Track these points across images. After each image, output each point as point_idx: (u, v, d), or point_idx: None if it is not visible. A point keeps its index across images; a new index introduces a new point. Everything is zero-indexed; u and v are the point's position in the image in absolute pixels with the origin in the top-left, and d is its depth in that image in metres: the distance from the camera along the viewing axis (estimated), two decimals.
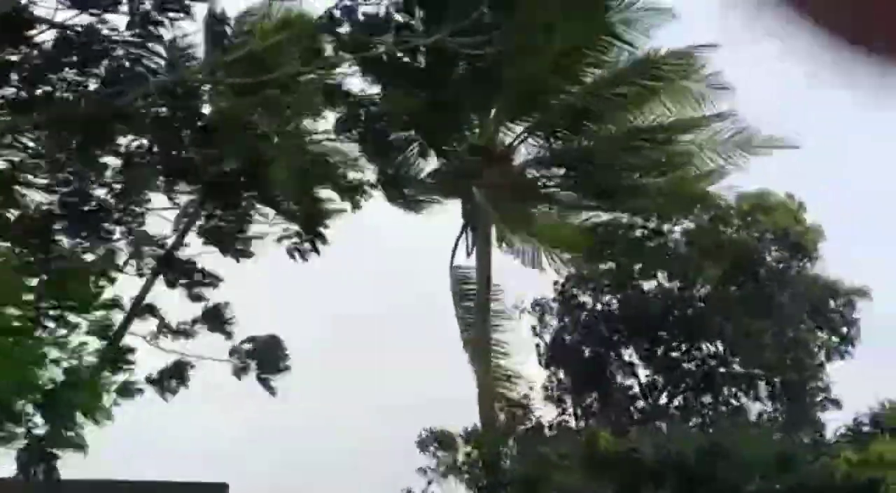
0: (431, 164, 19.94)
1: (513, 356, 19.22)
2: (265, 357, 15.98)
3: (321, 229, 16.73)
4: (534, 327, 18.56)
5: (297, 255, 16.63)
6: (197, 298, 16.29)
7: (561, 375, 18.09)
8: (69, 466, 15.79)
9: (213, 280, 16.22)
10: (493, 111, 18.97)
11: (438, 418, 18.21)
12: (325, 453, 23.92)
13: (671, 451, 13.20)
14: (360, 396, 26.78)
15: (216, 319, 16.28)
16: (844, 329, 16.49)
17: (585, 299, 17.92)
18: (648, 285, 17.53)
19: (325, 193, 17.31)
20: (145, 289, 15.98)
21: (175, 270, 16.25)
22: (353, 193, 16.91)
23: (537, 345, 18.36)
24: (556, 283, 18.53)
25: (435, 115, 17.39)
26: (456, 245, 20.27)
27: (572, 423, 17.50)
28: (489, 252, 19.14)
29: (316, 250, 16.71)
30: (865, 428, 15.02)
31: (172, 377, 15.86)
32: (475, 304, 18.84)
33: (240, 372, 16.18)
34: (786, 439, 15.23)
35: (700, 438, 13.94)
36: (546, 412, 18.07)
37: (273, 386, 16.17)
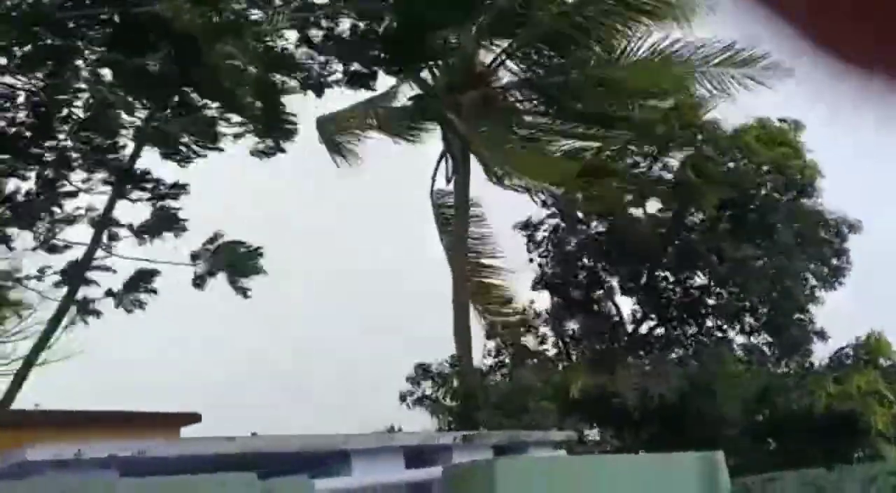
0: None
1: (498, 282, 19.10)
2: (235, 260, 15.46)
3: (285, 126, 16.08)
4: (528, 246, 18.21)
5: (261, 156, 16.14)
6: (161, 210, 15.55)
7: (547, 301, 17.92)
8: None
9: (176, 190, 15.50)
10: (472, 30, 18.03)
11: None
12: (308, 378, 24.08)
13: (651, 393, 13.07)
14: (345, 318, 26.86)
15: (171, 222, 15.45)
16: (834, 261, 16.16)
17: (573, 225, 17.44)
18: (638, 213, 17.05)
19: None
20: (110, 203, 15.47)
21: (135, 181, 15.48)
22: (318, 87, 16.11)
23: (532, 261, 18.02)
24: (543, 202, 18.04)
25: (408, 31, 16.46)
26: (436, 170, 19.81)
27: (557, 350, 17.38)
28: (468, 177, 18.64)
29: (281, 150, 16.15)
30: (848, 361, 14.91)
31: (135, 289, 15.31)
32: (455, 229, 18.49)
33: (207, 276, 15.46)
34: (768, 372, 15.16)
35: (680, 376, 13.73)
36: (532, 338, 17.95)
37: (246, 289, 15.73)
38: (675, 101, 16.25)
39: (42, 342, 15.73)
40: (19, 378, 15.58)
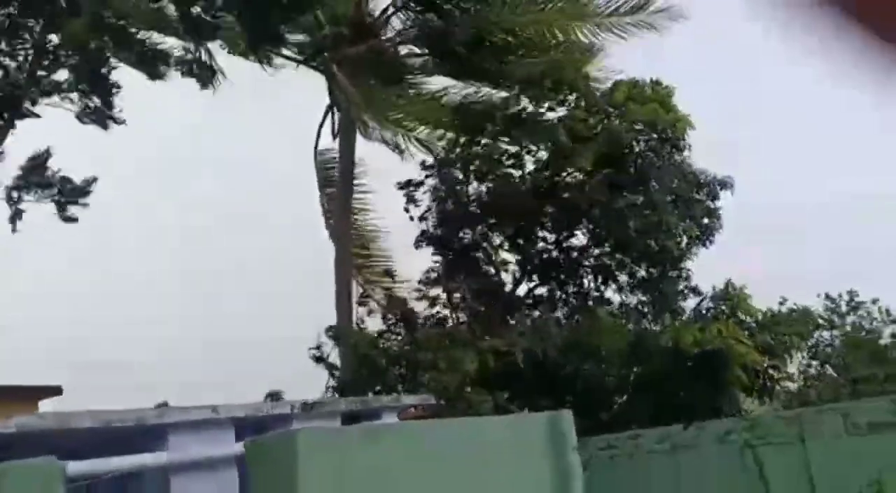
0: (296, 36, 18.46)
1: (380, 243, 18.67)
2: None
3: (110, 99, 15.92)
4: (407, 209, 17.83)
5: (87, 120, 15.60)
6: None
7: (431, 263, 17.60)
8: None
9: None
10: None
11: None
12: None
13: (532, 353, 13.02)
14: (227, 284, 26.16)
15: None
16: (706, 219, 16.42)
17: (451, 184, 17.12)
18: (517, 173, 16.87)
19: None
20: None
21: None
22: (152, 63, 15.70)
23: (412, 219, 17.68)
24: (422, 164, 17.62)
25: None
26: (321, 127, 19.06)
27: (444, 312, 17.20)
28: (354, 134, 17.99)
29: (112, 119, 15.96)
30: (709, 314, 15.32)
31: None
32: (337, 189, 17.88)
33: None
34: (642, 328, 15.34)
35: (557, 335, 13.74)
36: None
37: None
38: (557, 54, 16.04)
39: None
40: None
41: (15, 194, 15.38)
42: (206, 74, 17.01)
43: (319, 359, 14.82)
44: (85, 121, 16.55)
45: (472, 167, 17.05)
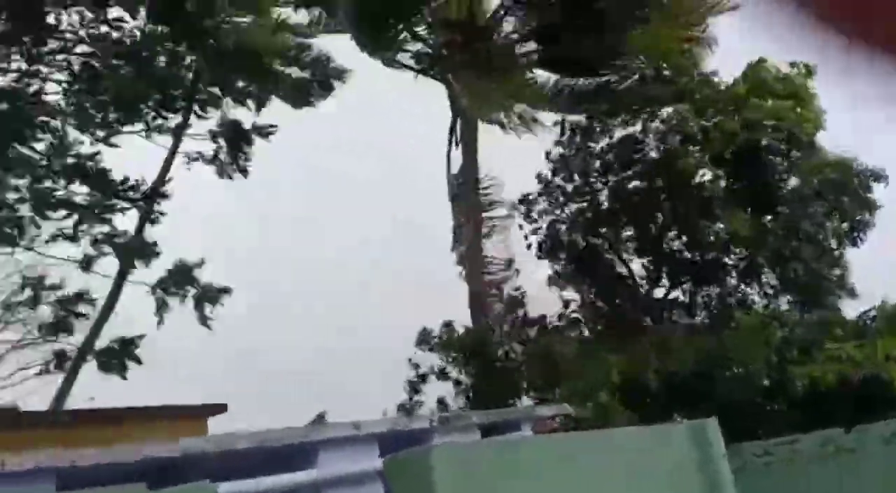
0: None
1: (507, 250, 18.60)
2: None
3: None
4: (527, 218, 17.74)
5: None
6: None
7: (558, 268, 17.37)
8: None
9: None
10: None
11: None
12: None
13: (667, 364, 12.51)
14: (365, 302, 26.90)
15: None
16: (859, 215, 15.07)
17: (571, 187, 16.84)
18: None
19: None
20: None
21: None
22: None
23: (527, 238, 17.62)
24: (538, 175, 17.45)
25: None
26: (451, 134, 19.23)
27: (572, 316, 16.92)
28: (476, 143, 18.06)
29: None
30: (872, 324, 14.02)
31: None
32: (462, 197, 18.01)
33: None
34: (789, 334, 14.26)
35: (697, 343, 13.07)
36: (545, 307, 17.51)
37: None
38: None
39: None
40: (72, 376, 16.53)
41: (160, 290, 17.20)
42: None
43: (443, 373, 15.05)
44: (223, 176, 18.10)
45: (594, 168, 16.72)
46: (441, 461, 5.62)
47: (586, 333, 16.74)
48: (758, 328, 13.14)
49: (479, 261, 17.11)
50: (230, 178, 18.49)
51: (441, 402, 15.26)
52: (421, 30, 17.15)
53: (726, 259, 16.16)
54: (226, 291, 17.79)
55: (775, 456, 10.88)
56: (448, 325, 15.31)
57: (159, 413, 15.83)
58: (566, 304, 17.63)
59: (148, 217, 17.63)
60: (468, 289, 16.45)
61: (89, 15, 15.70)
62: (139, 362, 17.07)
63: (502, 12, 17.52)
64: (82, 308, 17.30)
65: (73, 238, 16.88)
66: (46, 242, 16.66)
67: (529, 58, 17.56)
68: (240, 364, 22.00)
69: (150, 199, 17.47)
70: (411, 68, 17.95)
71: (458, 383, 14.71)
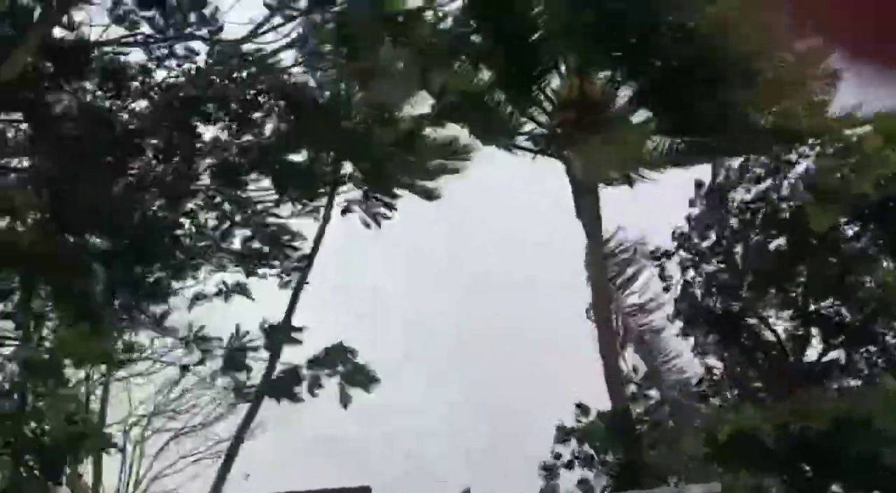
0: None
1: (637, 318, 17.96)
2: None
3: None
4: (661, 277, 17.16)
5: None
6: None
7: (698, 334, 16.61)
8: None
9: None
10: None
11: None
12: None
13: (793, 430, 11.62)
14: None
15: None
16: None
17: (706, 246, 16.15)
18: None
19: None
20: None
21: None
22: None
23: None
24: (673, 233, 16.84)
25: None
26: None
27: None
28: (598, 209, 17.75)
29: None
30: None
31: None
32: (590, 266, 17.63)
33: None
34: None
35: (832, 409, 12.08)
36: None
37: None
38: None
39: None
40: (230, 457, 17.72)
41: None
42: None
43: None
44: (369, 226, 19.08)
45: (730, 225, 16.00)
46: None
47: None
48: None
49: (612, 334, 16.65)
50: None
51: (584, 482, 14.90)
52: (534, 111, 17.22)
53: (882, 316, 14.89)
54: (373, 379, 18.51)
55: None
56: (581, 407, 15.02)
57: None
58: (709, 370, 16.82)
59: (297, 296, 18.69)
60: (603, 365, 16.00)
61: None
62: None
63: (616, 85, 17.33)
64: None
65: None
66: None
67: (645, 126, 17.22)
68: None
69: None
70: (528, 150, 18.08)
71: (603, 463, 14.34)
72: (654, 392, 16.14)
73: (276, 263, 18.85)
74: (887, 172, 13.36)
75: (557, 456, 15.19)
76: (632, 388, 16.07)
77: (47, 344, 14.94)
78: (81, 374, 15.89)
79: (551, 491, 14.80)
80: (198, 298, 18.07)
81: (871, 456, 11.67)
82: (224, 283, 18.32)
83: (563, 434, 15.27)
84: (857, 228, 14.43)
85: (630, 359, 17.08)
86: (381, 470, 19.35)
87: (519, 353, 26.03)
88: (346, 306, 22.28)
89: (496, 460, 20.36)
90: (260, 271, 18.50)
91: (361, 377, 18.52)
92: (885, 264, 14.30)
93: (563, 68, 17.42)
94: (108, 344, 15.55)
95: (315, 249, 19.25)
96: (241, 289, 18.57)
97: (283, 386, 18.38)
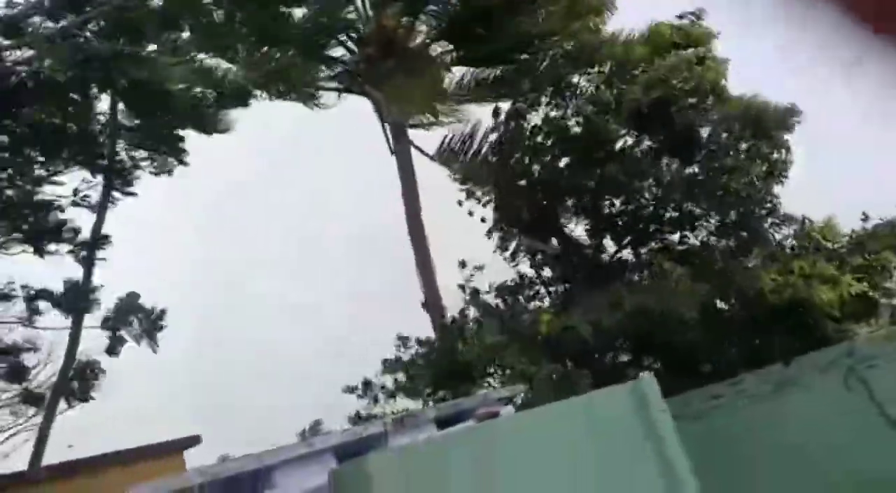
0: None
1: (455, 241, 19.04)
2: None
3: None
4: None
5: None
6: None
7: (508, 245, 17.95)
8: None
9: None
10: None
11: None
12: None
13: (605, 324, 13.01)
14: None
15: None
16: (775, 155, 15.61)
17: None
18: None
19: None
20: None
21: None
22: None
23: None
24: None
25: None
26: (388, 140, 19.56)
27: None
28: (408, 145, 18.42)
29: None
30: (791, 250, 14.70)
31: None
32: (404, 196, 18.35)
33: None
34: (721, 270, 14.81)
35: (634, 299, 13.60)
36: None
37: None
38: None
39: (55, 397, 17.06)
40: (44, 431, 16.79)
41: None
42: None
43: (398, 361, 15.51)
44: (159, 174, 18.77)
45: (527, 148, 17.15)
46: (377, 470, 6.00)
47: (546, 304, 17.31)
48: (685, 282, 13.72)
49: (428, 261, 17.55)
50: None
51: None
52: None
53: (664, 213, 16.71)
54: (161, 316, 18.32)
55: (723, 399, 11.40)
56: (403, 340, 15.90)
57: (137, 455, 16.16)
58: (522, 278, 18.21)
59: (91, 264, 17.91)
60: (423, 291, 16.91)
61: None
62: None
63: (411, 19, 17.89)
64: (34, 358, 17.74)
65: (6, 297, 17.11)
66: None
67: (444, 57, 18.00)
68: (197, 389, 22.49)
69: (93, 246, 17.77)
70: (335, 89, 18.31)
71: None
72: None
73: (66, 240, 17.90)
74: (657, 77, 14.85)
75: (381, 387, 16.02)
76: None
77: None
78: None
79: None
80: None
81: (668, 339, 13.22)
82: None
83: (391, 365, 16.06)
84: (637, 134, 15.93)
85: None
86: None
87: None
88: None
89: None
90: (52, 247, 17.45)
91: (155, 325, 18.31)
92: (664, 162, 15.91)
93: (359, 2, 17.79)
94: None
95: (99, 225, 18.48)
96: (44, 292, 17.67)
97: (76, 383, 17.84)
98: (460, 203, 18.16)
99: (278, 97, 17.92)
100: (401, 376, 16.03)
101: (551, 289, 17.47)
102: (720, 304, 14.13)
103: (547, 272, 17.68)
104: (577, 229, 17.28)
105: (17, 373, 17.41)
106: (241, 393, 23.87)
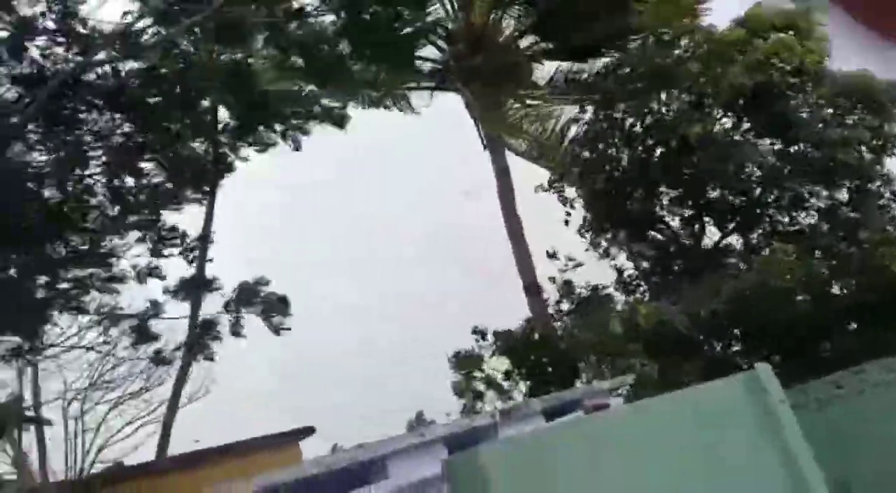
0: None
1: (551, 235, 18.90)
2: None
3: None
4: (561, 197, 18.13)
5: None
6: None
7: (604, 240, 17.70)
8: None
9: None
10: None
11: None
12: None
13: (704, 312, 12.63)
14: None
15: None
16: (886, 127, 14.72)
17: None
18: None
19: None
20: None
21: None
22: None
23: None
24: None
25: None
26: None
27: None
28: (502, 144, 18.42)
29: None
30: None
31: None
32: (499, 189, 18.36)
33: None
34: (831, 255, 14.09)
35: (733, 286, 13.11)
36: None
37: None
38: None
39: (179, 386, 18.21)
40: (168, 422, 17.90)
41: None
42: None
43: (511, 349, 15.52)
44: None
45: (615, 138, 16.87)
46: (488, 461, 6.08)
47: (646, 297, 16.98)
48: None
49: (527, 251, 17.51)
50: None
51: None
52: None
53: (770, 196, 16.06)
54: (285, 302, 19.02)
55: (845, 389, 10.86)
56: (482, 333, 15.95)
57: (255, 445, 16.91)
58: (620, 272, 17.95)
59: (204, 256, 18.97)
60: (522, 282, 16.88)
61: None
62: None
63: (500, 13, 17.88)
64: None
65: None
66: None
67: (534, 50, 17.92)
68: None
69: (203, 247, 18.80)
70: (426, 88, 18.55)
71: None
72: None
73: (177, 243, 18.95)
74: (756, 59, 14.30)
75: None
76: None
77: None
78: None
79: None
80: (111, 280, 18.02)
81: (769, 320, 12.71)
82: (134, 267, 18.40)
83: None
84: (736, 118, 15.42)
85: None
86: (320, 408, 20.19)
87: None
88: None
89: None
90: (165, 252, 18.58)
91: (279, 306, 19.11)
92: (766, 143, 15.32)
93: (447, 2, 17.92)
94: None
95: (207, 227, 19.45)
96: (153, 271, 18.70)
97: (201, 338, 18.79)
98: (551, 189, 18.06)
99: (370, 106, 18.37)
100: (492, 371, 16.06)
101: (650, 281, 17.12)
102: (835, 288, 13.48)
103: (644, 265, 17.36)
104: (675, 220, 16.87)
105: (146, 335, 18.55)
106: (337, 389, 24.57)
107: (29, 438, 18.89)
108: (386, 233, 29.00)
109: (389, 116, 19.29)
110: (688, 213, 16.64)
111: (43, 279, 15.54)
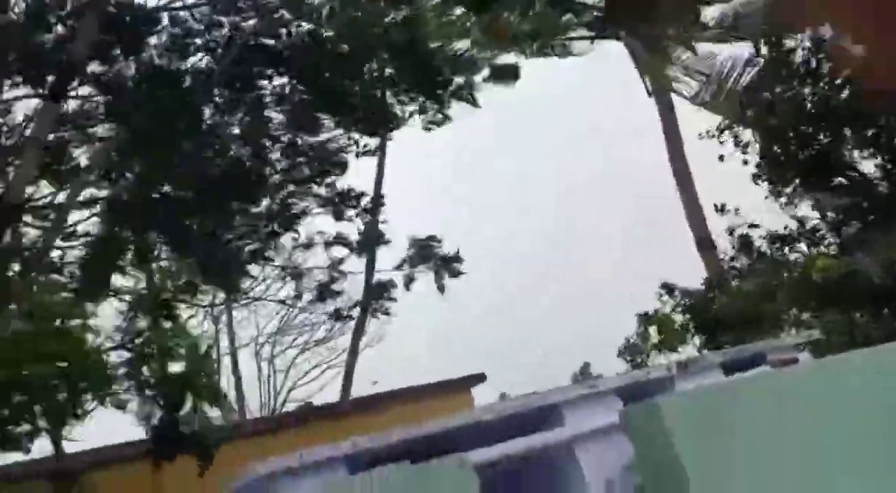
0: None
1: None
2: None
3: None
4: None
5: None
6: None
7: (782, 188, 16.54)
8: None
9: None
10: None
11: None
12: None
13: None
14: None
15: None
16: None
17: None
18: None
19: None
20: None
21: None
22: None
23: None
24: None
25: None
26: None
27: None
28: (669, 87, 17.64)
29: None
30: None
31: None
32: (666, 136, 17.69)
33: None
34: None
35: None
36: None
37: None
38: None
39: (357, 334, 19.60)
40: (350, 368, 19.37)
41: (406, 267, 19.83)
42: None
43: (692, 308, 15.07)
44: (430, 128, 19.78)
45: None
46: (668, 412, 6.04)
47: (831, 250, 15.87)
48: None
49: (696, 201, 16.85)
50: None
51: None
52: None
53: None
54: (458, 260, 19.55)
55: None
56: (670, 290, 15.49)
57: (428, 391, 17.79)
58: (802, 223, 16.82)
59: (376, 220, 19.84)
60: (693, 236, 16.32)
61: None
62: None
63: None
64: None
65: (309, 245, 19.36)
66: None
67: None
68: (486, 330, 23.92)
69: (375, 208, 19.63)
70: (585, 38, 18.07)
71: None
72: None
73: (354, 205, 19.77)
74: None
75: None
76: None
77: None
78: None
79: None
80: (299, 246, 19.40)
81: None
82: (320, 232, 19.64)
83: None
84: None
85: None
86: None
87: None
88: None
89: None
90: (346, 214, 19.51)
91: (451, 266, 19.68)
92: None
93: None
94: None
95: (378, 187, 20.07)
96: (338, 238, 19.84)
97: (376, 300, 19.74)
98: (721, 134, 17.12)
99: (531, 56, 18.11)
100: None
101: (840, 232, 15.85)
102: None
103: (831, 215, 16.10)
104: (867, 165, 15.45)
105: (328, 292, 19.96)
106: (502, 339, 25.09)
107: (226, 379, 21.04)
108: (554, 177, 29.01)
109: (549, 64, 19.10)
110: (883, 157, 15.15)
111: (241, 237, 16.93)
